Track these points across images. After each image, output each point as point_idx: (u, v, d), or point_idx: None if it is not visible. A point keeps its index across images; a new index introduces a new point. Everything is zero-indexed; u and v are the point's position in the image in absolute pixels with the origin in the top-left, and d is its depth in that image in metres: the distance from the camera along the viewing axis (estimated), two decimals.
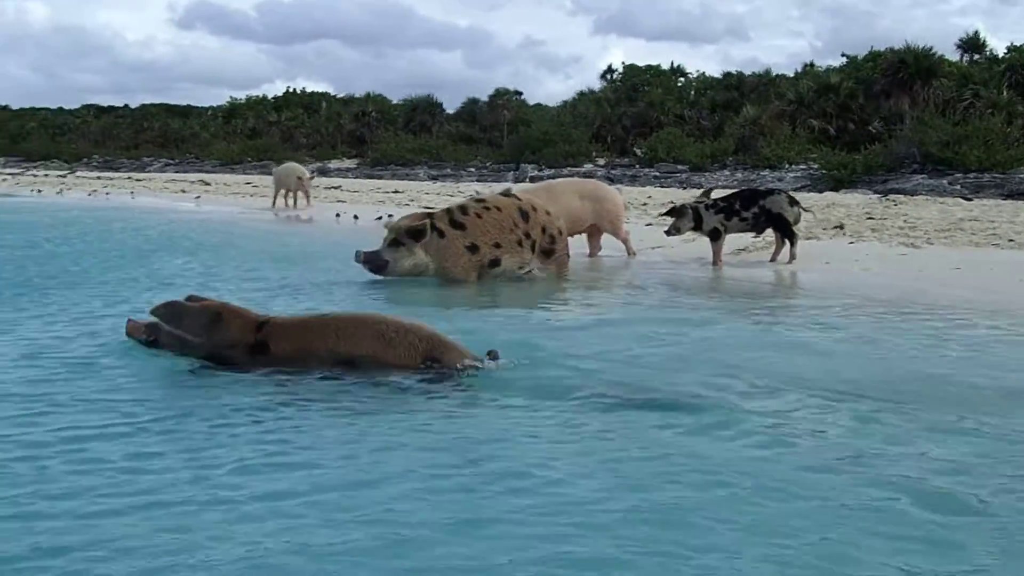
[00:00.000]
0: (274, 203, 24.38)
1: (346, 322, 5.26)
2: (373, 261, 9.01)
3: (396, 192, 30.76)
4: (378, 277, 9.17)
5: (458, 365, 5.06)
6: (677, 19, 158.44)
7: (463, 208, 9.54)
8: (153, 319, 5.47)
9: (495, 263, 9.44)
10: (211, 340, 5.17)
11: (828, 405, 4.94)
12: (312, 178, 25.43)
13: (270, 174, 51.60)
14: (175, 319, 5.33)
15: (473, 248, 9.25)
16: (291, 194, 23.94)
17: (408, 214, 10.03)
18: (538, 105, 66.56)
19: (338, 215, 21.19)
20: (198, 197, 30.69)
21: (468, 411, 4.60)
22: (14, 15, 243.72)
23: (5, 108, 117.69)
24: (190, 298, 5.55)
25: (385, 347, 4.98)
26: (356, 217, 20.23)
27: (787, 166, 32.40)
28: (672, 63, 59.84)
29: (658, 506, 3.44)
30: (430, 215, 9.57)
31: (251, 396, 4.73)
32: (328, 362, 4.96)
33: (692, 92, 53.85)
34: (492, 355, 5.32)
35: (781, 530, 3.24)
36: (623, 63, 61.27)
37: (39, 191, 37.61)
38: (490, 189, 22.54)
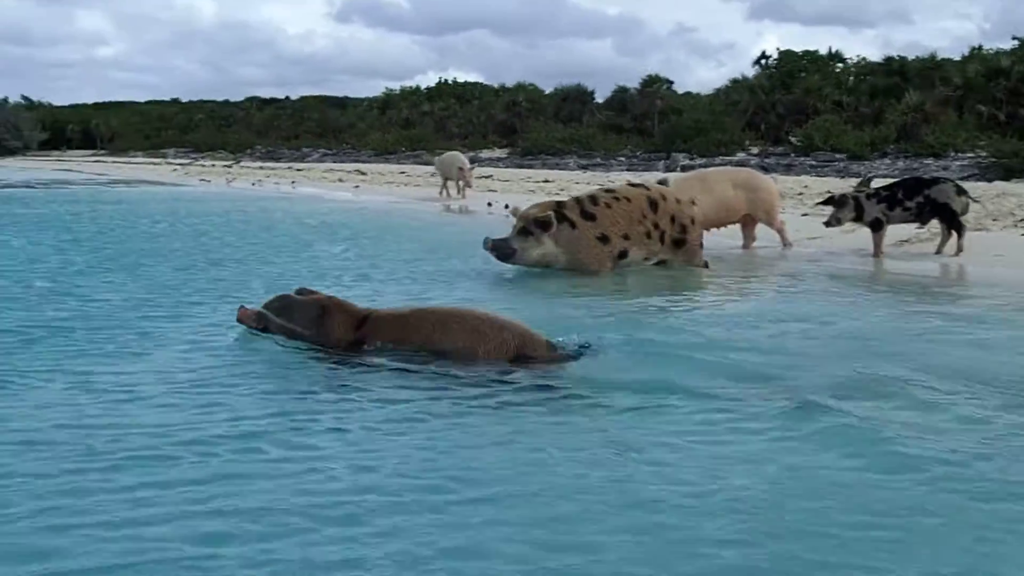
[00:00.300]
0: (441, 192, 24.81)
1: (444, 316, 5.31)
2: (500, 249, 8.99)
3: (546, 181, 30.84)
4: (527, 268, 9.18)
5: (547, 361, 5.05)
6: (835, 3, 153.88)
7: (593, 198, 9.42)
8: (263, 310, 5.79)
9: (623, 255, 9.30)
10: (318, 332, 5.40)
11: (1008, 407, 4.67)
12: (473, 168, 25.59)
13: (424, 163, 52.74)
14: (285, 312, 5.59)
15: (604, 239, 9.12)
16: (452, 184, 24.30)
17: (538, 203, 9.94)
18: (689, 93, 65.65)
19: (490, 204, 21.38)
20: (356, 187, 31.49)
21: (615, 410, 4.52)
22: (184, 12, 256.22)
23: (175, 101, 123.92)
24: (300, 291, 5.72)
25: (478, 341, 5.05)
26: (507, 206, 20.39)
27: (953, 154, 30.98)
28: (830, 48, 57.96)
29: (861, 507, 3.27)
30: (559, 205, 9.47)
31: (399, 391, 4.77)
32: (423, 353, 5.07)
33: (851, 78, 52.00)
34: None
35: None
36: (778, 49, 59.87)
37: (207, 180, 39.33)
38: (641, 179, 22.38)
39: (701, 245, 10.08)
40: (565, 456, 3.78)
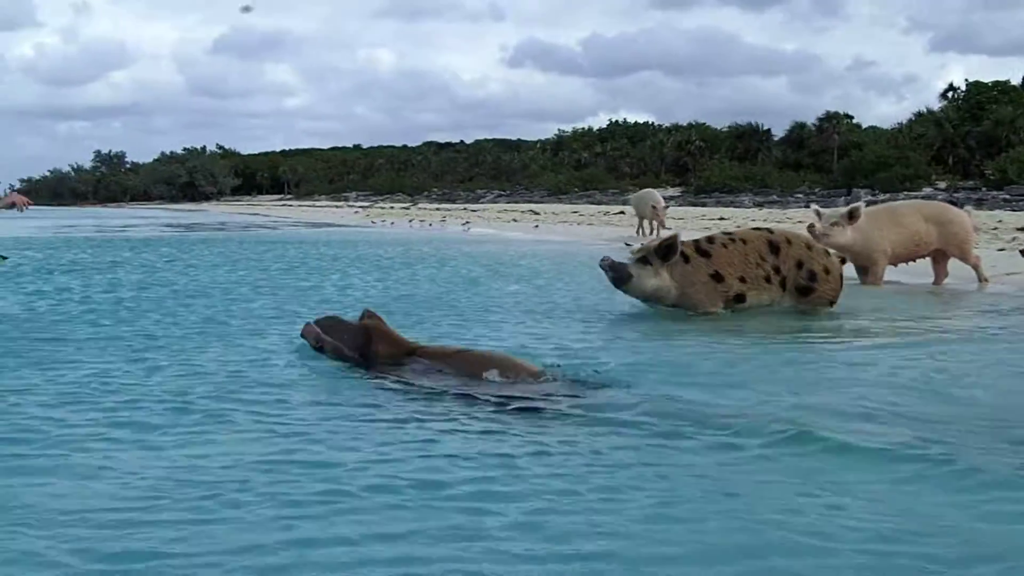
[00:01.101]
0: (638, 231, 23.67)
1: (477, 357, 5.46)
2: (617, 271, 8.62)
3: (721, 219, 30.44)
4: (641, 302, 8.77)
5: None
6: None
7: (709, 239, 9.07)
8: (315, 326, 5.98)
9: (740, 298, 8.80)
10: (363, 355, 5.60)
11: None
12: (668, 207, 24.33)
13: (595, 203, 52.96)
14: (334, 331, 5.79)
15: (718, 277, 8.71)
16: (647, 222, 23.12)
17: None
18: (871, 128, 63.69)
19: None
20: (536, 226, 31.48)
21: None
22: (364, 63, 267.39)
23: (356, 147, 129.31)
24: (367, 314, 5.88)
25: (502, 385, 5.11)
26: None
27: None
28: (1023, 78, 55.24)
29: None
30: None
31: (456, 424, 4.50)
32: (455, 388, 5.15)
33: None
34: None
35: None
36: (966, 80, 57.43)
37: (387, 222, 40.41)
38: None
39: (837, 293, 9.32)
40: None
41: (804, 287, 8.70)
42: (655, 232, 21.86)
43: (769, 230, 9.62)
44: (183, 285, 11.37)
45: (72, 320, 8.00)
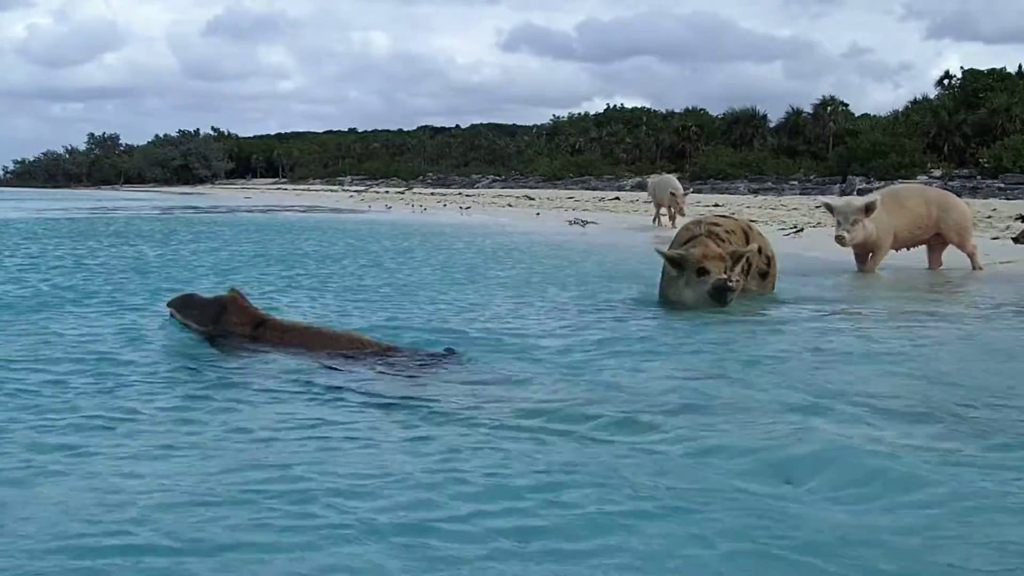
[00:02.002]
0: (655, 220, 22.61)
1: (324, 333, 5.80)
2: (724, 292, 7.62)
3: (716, 205, 30.46)
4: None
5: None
6: (1022, 19, 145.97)
7: (713, 232, 8.70)
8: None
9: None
10: (216, 328, 5.95)
11: None
12: (687, 193, 22.78)
13: (591, 189, 52.90)
14: (185, 308, 6.23)
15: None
16: (665, 210, 21.84)
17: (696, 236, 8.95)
18: (866, 115, 63.64)
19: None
20: (538, 214, 30.90)
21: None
22: (359, 46, 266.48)
23: (351, 131, 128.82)
24: (231, 290, 6.29)
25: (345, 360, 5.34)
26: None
27: None
28: (1020, 66, 55.16)
29: None
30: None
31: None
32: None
33: None
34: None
35: None
36: (961, 68, 57.38)
37: (388, 207, 39.76)
38: (817, 200, 21.79)
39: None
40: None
41: (764, 271, 8.92)
42: (673, 221, 20.93)
43: (734, 218, 9.73)
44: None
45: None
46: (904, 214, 11.26)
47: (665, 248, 8.43)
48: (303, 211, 35.14)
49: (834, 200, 12.18)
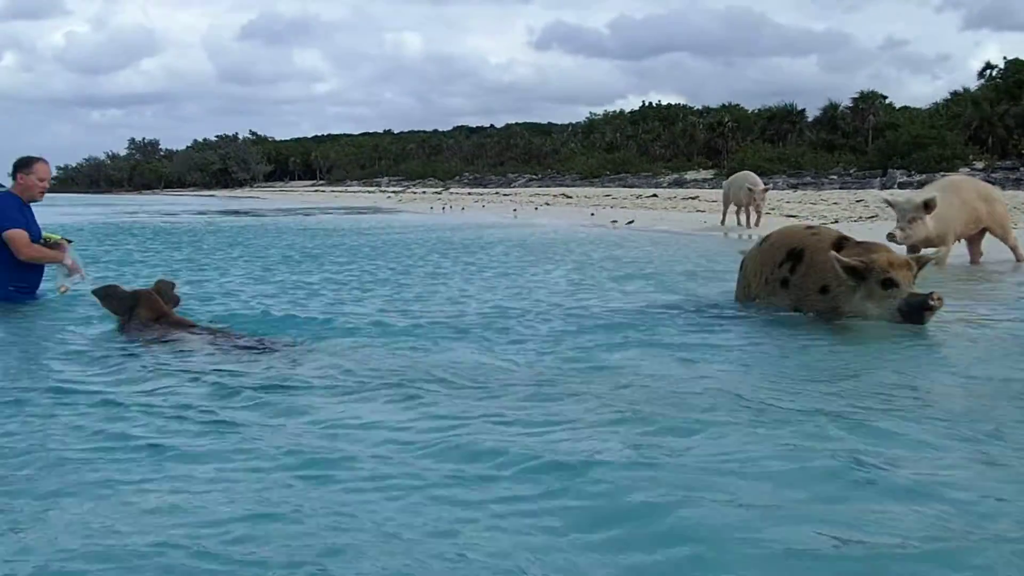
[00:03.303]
0: (723, 219, 20.16)
1: (187, 325, 6.29)
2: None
3: None
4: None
5: None
6: None
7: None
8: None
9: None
10: (129, 316, 6.38)
11: None
12: (766, 190, 20.09)
13: (628, 186, 52.76)
14: (107, 298, 6.50)
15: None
16: (743, 210, 19.35)
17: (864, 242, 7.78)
18: (905, 108, 63.01)
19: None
20: (592, 214, 30.13)
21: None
22: (392, 47, 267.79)
23: (387, 132, 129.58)
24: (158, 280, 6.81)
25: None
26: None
27: None
28: None
29: None
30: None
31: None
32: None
33: None
34: None
35: None
36: (1004, 59, 56.51)
37: (444, 208, 39.07)
38: (856, 196, 21.67)
39: None
40: None
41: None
42: (751, 222, 18.89)
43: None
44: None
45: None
46: (965, 208, 10.95)
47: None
48: (365, 212, 35.32)
49: (895, 195, 11.91)
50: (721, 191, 22.01)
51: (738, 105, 75.83)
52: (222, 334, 6.14)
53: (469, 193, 55.65)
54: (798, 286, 6.98)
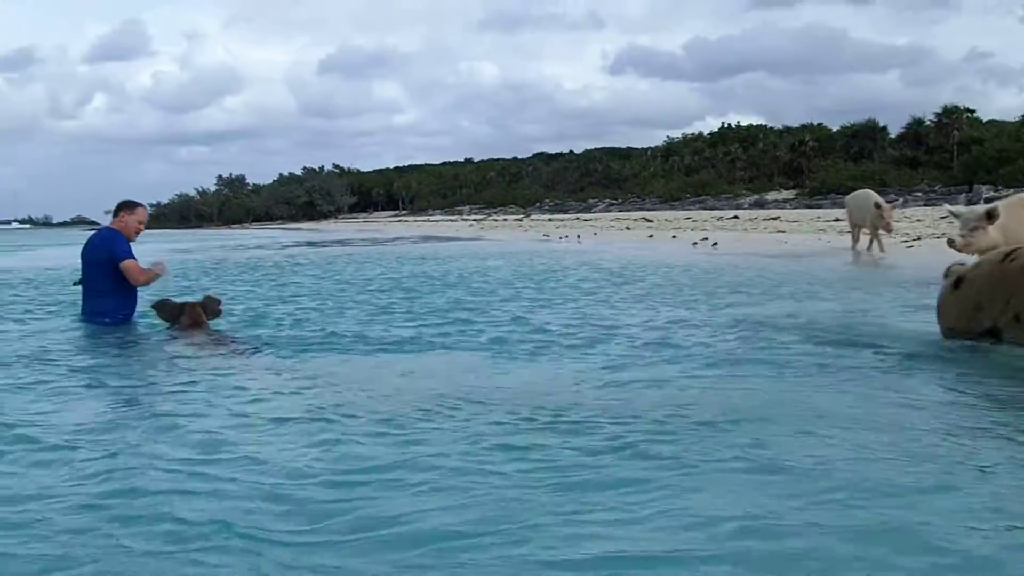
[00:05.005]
0: (854, 243, 18.28)
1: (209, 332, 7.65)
2: None
3: (837, 220, 30.27)
4: None
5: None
6: None
7: None
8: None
9: None
10: (175, 323, 7.71)
11: None
12: (894, 205, 18.13)
13: (708, 208, 52.77)
14: (162, 308, 7.84)
15: None
16: (865, 230, 17.77)
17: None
18: (992, 121, 61.83)
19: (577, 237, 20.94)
20: (695, 244, 30.52)
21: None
22: (467, 76, 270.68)
23: (468, 161, 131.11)
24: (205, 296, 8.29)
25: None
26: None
27: None
28: None
29: None
30: None
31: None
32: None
33: None
34: None
35: None
36: None
37: (566, 238, 40.06)
38: (937, 212, 21.47)
39: None
40: None
41: None
42: (878, 245, 17.19)
43: None
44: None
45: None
46: None
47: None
48: (453, 239, 35.93)
49: (959, 207, 11.97)
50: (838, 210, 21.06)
51: (820, 124, 75.24)
52: (238, 343, 7.24)
53: (550, 219, 56.18)
54: None
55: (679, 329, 7.35)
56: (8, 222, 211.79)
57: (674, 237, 28.37)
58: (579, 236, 32.90)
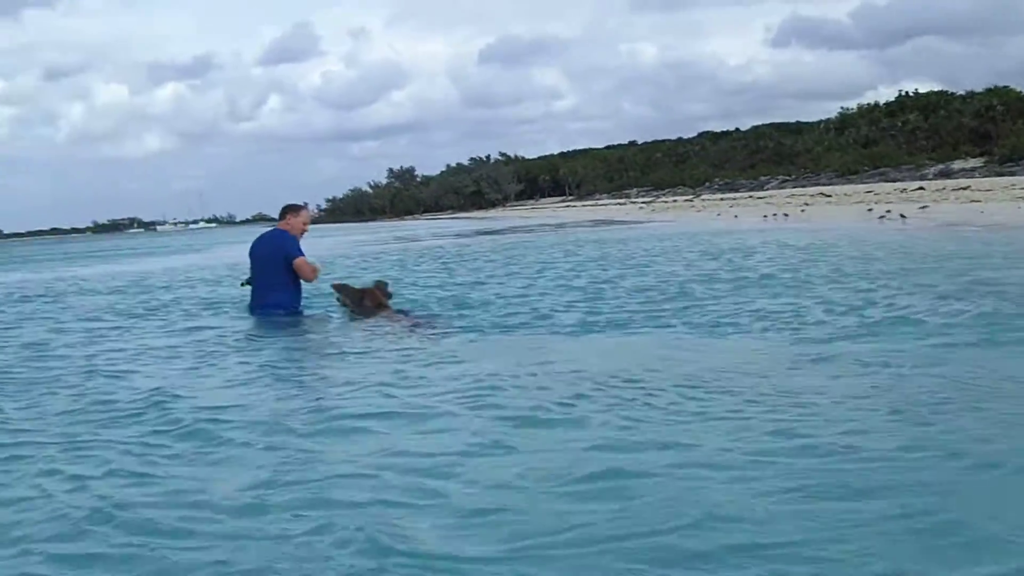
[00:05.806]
0: None
1: (394, 314, 8.18)
2: None
3: None
4: None
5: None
6: None
7: None
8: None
9: None
10: (358, 305, 8.25)
11: None
12: None
13: (889, 180, 50.64)
14: (344, 291, 8.46)
15: None
16: None
17: None
18: None
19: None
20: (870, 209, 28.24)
21: None
22: (627, 58, 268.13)
23: (632, 144, 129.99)
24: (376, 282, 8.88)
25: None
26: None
27: None
28: None
29: None
30: None
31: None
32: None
33: None
34: None
35: None
36: None
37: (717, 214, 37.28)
38: None
39: None
40: None
41: None
42: None
43: None
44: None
45: None
46: None
47: None
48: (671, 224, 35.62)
49: None
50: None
51: (1007, 87, 71.05)
52: (421, 322, 7.78)
53: (721, 199, 55.32)
54: None
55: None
56: (196, 221, 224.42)
57: (869, 210, 27.44)
58: (786, 214, 31.86)
